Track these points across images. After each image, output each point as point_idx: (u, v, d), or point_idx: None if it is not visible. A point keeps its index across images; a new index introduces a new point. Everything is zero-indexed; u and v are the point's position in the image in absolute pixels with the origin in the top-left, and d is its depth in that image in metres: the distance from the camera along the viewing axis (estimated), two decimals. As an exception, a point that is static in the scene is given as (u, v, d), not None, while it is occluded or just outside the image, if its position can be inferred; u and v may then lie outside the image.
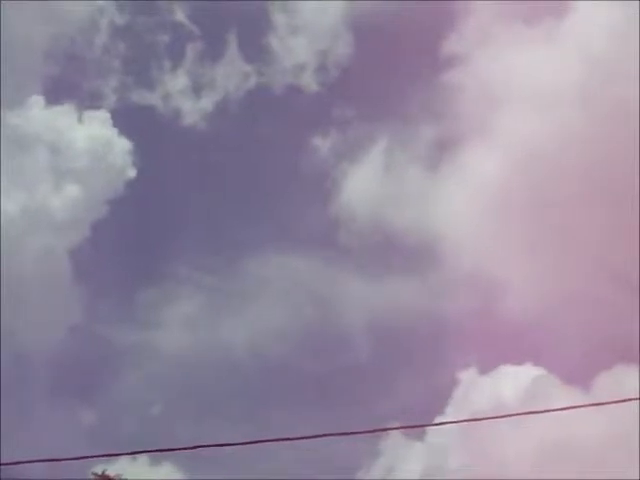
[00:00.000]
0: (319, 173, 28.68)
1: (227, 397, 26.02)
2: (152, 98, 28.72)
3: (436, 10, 28.13)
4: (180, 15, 29.00)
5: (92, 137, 28.14)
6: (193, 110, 28.72)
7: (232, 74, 28.88)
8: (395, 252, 27.45)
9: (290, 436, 10.15)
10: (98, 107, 28.62)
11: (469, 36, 28.04)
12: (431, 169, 28.42)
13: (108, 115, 28.48)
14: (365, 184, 28.58)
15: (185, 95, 28.78)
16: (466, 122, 27.88)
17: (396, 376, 25.80)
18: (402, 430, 21.46)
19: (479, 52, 28.07)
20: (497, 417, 11.25)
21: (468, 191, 27.47)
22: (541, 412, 10.93)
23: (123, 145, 28.07)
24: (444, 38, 27.90)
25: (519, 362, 25.27)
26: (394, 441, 24.54)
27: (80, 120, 28.33)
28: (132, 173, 27.83)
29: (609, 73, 26.05)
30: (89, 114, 28.44)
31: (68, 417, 25.80)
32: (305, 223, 28.39)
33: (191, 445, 10.16)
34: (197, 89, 28.86)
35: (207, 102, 28.79)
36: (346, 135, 28.97)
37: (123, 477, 15.83)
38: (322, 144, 28.72)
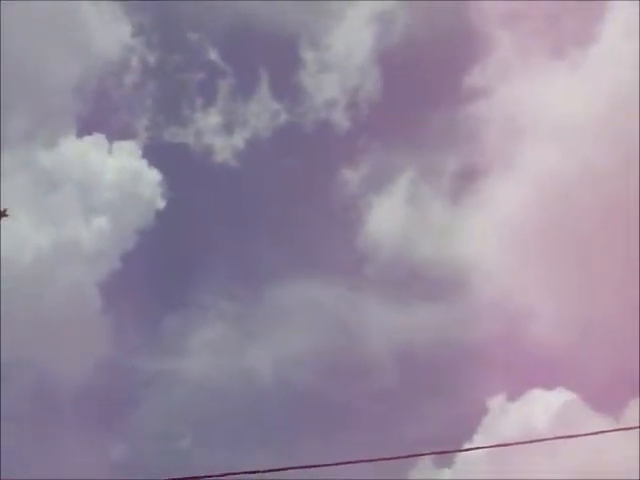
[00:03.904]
0: (345, 204, 28.89)
1: (253, 424, 26.00)
2: (184, 135, 29.02)
3: (460, 44, 28.41)
4: (212, 53, 29.33)
5: (122, 170, 28.46)
6: (224, 147, 28.99)
7: (263, 111, 29.16)
8: (420, 281, 27.53)
9: (317, 463, 10.18)
10: (128, 140, 29.01)
11: (493, 68, 28.26)
12: (455, 201, 28.57)
13: (138, 149, 28.85)
14: (390, 215, 28.73)
15: (217, 132, 29.05)
16: (490, 154, 28.04)
17: (423, 404, 25.77)
18: (431, 457, 21.37)
19: (503, 84, 28.28)
20: (526, 442, 11.28)
21: (492, 222, 27.59)
22: (569, 437, 10.94)
23: (153, 178, 28.39)
24: (468, 71, 28.16)
25: (549, 387, 25.25)
26: (423, 469, 24.41)
27: (110, 153, 28.69)
28: (161, 204, 28.18)
29: (634, 105, 26.06)
30: (119, 146, 28.80)
31: (98, 449, 25.87)
32: (330, 252, 28.54)
33: (218, 473, 10.17)
34: (228, 126, 29.13)
35: (238, 139, 29.06)
36: (372, 168, 29.17)
37: None
38: (349, 176, 28.92)
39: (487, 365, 25.28)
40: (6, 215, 13.66)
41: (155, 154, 28.80)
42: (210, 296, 28.45)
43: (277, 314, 27.83)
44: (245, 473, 10.03)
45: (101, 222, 27.63)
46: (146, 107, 29.28)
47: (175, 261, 28.49)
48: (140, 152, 28.67)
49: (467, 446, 22.63)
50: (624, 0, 27.55)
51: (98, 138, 28.70)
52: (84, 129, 28.62)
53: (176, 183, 28.63)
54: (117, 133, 29.16)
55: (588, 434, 10.73)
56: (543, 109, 27.88)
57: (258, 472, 9.96)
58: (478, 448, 17.97)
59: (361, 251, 27.92)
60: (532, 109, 28.00)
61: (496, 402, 25.40)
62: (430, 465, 24.19)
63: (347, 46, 29.44)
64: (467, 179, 28.27)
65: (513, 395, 25.33)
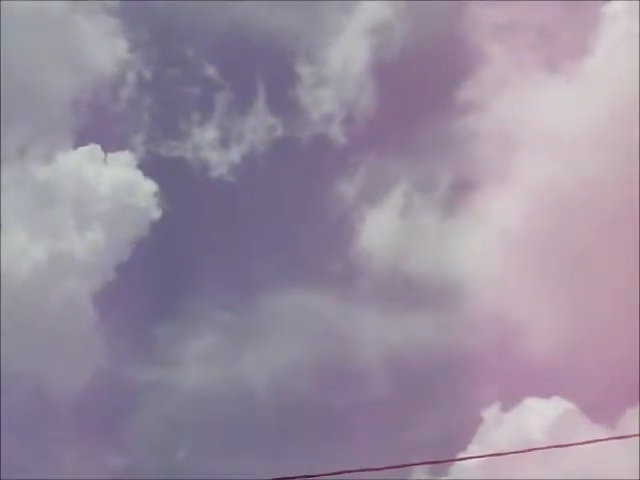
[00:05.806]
0: (339, 217, 29.00)
1: (248, 433, 26.08)
2: (181, 150, 29.14)
3: (456, 57, 28.60)
4: (208, 68, 29.46)
5: (117, 181, 28.55)
6: (221, 161, 29.09)
7: (259, 126, 29.28)
8: (414, 292, 27.60)
9: (312, 473, 10.21)
10: (124, 151, 29.10)
11: (488, 81, 28.42)
12: (450, 213, 28.72)
13: (134, 161, 28.95)
14: (384, 227, 28.85)
15: (213, 147, 29.16)
16: (485, 167, 28.19)
17: (417, 414, 25.76)
18: (426, 467, 21.35)
19: (498, 97, 28.43)
20: (522, 451, 11.32)
21: (486, 234, 27.69)
22: (566, 446, 10.99)
23: (148, 189, 28.51)
24: (463, 84, 28.33)
25: (545, 396, 25.27)
26: (417, 479, 24.44)
27: (106, 165, 28.77)
28: (157, 216, 28.27)
29: (630, 117, 26.19)
30: (115, 158, 28.87)
31: (96, 459, 25.93)
32: (325, 263, 28.65)
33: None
34: (225, 141, 29.23)
35: (235, 154, 29.15)
36: (367, 180, 29.28)
37: None
38: (345, 189, 29.04)
39: (482, 375, 25.35)
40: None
41: (151, 167, 28.98)
42: (205, 306, 28.57)
43: (271, 324, 27.98)
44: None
45: (96, 233, 27.73)
46: (143, 122, 29.41)
47: (170, 272, 28.58)
48: (136, 163, 28.87)
49: (462, 455, 22.69)
50: (620, 6, 27.79)
51: (94, 151, 28.82)
52: (80, 143, 28.77)
53: (172, 196, 28.79)
54: (113, 147, 29.28)
55: (587, 442, 10.75)
56: (538, 122, 28.00)
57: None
58: (473, 457, 17.98)
59: (355, 262, 28.08)
60: (527, 122, 28.13)
61: (491, 412, 25.45)
62: (425, 475, 24.20)
63: (343, 60, 29.60)
64: (461, 192, 28.43)
65: (508, 404, 25.43)
